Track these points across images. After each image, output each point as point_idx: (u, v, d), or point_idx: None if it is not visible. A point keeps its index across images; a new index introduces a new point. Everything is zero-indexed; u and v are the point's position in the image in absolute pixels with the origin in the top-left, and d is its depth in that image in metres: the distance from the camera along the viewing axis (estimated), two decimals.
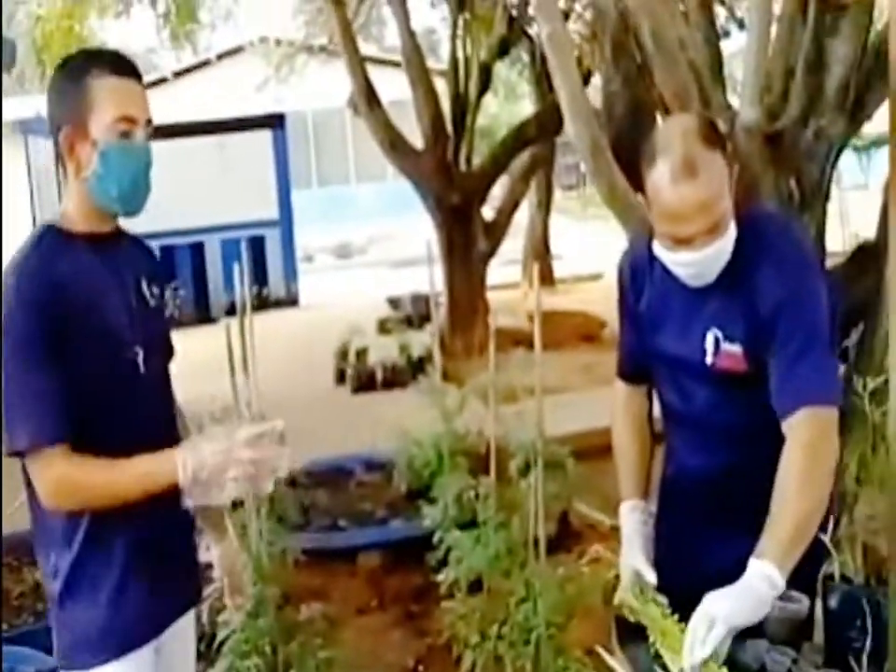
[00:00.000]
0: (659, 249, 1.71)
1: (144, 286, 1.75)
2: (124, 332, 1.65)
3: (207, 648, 3.08)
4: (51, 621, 1.70)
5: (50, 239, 1.65)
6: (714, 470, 1.82)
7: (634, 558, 1.77)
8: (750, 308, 1.68)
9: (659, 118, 3.62)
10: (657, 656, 1.58)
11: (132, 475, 1.57)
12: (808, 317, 1.65)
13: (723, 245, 1.64)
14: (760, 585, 1.48)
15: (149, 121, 1.67)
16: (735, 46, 7.33)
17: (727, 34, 7.56)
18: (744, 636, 1.63)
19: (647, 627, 1.65)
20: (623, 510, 1.86)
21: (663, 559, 1.93)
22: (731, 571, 1.81)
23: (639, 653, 1.70)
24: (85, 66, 1.63)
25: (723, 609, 1.46)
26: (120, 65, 1.65)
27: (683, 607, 1.47)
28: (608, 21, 4.04)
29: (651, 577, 1.73)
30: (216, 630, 2.65)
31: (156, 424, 1.74)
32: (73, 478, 1.55)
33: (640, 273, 1.84)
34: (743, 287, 1.69)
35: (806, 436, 1.58)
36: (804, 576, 1.59)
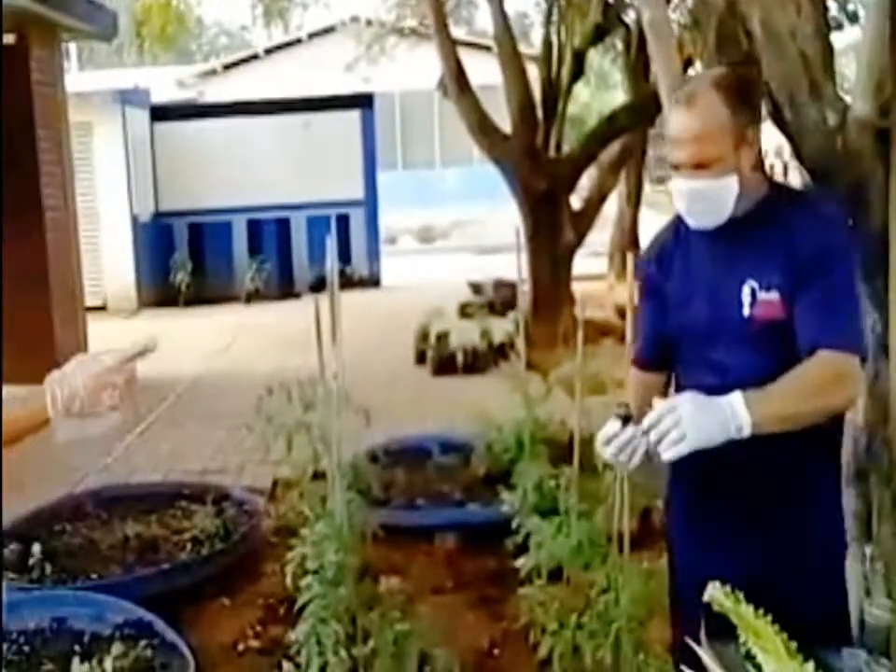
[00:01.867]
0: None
1: None
2: None
3: (288, 611, 3.17)
4: None
5: None
6: (749, 450, 1.75)
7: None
8: (786, 258, 1.74)
9: (764, 108, 3.53)
10: (748, 656, 1.56)
11: None
12: (837, 273, 1.73)
13: (712, 187, 1.74)
14: (725, 406, 1.59)
15: None
16: (845, 41, 7.09)
17: (839, 26, 7.31)
18: (839, 645, 1.60)
19: (737, 626, 1.63)
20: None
21: (689, 551, 1.96)
22: (760, 558, 1.80)
23: (728, 652, 1.68)
24: None
25: (690, 415, 1.57)
26: None
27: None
28: (712, 9, 3.95)
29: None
30: (297, 595, 2.72)
31: None
32: None
33: (667, 255, 1.92)
34: (778, 243, 1.76)
35: (819, 371, 1.66)
36: None
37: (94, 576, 3.69)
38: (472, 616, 3.42)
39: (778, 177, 9.81)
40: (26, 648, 3.08)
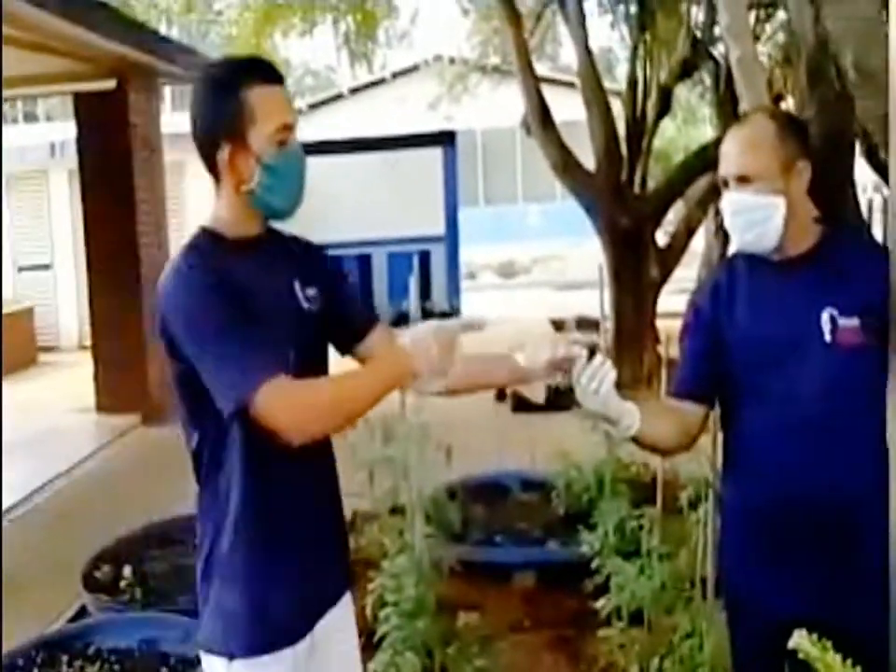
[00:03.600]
0: None
1: (297, 288, 1.69)
2: (278, 332, 1.59)
3: (367, 642, 3.18)
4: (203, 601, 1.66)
5: (206, 240, 1.63)
6: (823, 482, 1.76)
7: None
8: (864, 285, 1.75)
9: (858, 147, 3.46)
10: None
11: (372, 379, 1.57)
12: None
13: (756, 202, 1.78)
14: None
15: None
16: None
17: None
18: None
19: None
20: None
21: (749, 593, 1.90)
22: (828, 597, 1.75)
23: None
24: (238, 79, 1.58)
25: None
26: (270, 73, 1.61)
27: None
28: (804, 46, 3.90)
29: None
30: (375, 626, 2.74)
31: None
32: (308, 398, 1.51)
33: (722, 292, 1.93)
34: (850, 273, 1.78)
35: None
36: None
37: (181, 599, 3.77)
38: (550, 656, 3.37)
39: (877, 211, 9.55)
40: (117, 667, 3.16)
